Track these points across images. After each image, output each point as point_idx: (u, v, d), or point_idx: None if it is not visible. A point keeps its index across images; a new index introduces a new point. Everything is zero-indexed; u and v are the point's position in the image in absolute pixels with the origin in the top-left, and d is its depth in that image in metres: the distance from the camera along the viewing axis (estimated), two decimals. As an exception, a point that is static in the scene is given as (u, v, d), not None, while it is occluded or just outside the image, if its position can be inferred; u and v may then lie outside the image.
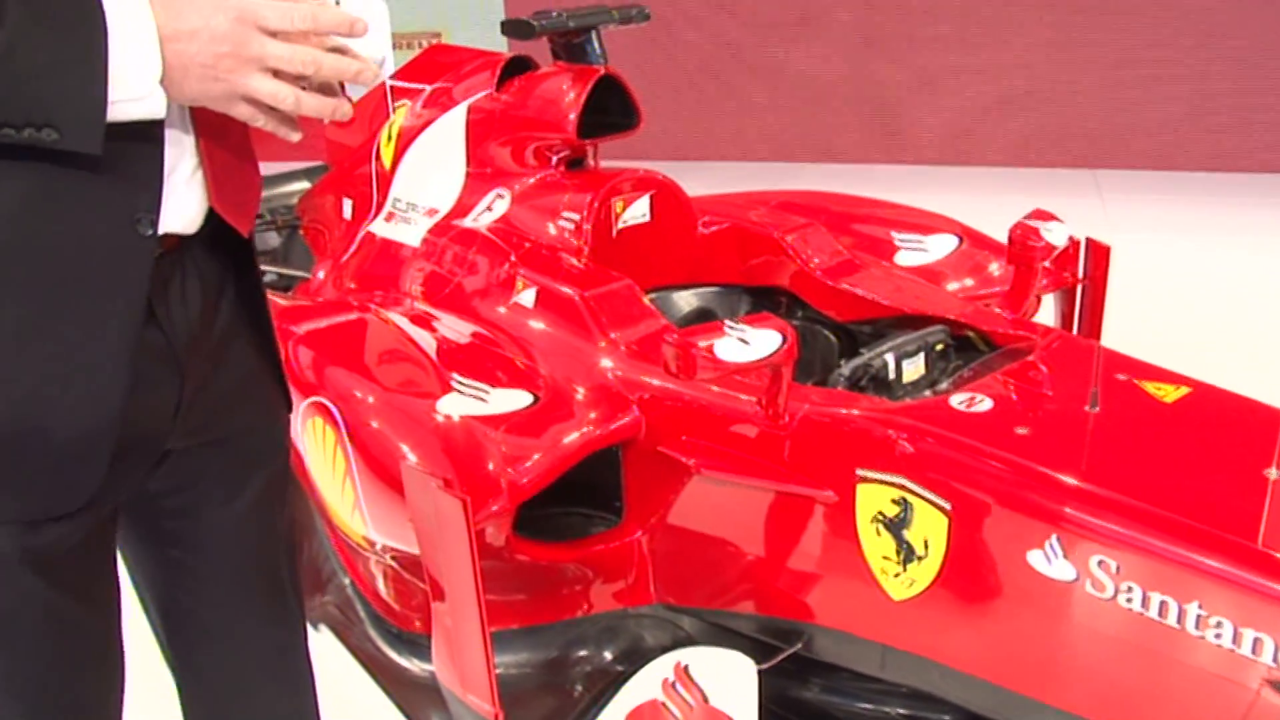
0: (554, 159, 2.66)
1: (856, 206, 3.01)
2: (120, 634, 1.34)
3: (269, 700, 1.53)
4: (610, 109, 2.60)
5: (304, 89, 1.12)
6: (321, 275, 3.27)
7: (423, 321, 2.47)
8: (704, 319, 2.71)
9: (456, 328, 2.42)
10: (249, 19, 1.07)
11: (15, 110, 0.99)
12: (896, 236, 2.76)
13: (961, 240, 2.76)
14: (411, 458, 1.93)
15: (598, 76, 2.52)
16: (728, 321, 1.85)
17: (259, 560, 1.44)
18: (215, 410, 1.31)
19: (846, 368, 2.09)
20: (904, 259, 2.71)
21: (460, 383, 2.11)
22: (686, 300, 2.69)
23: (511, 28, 2.50)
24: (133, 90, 1.04)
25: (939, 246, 2.74)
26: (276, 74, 1.10)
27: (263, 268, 3.72)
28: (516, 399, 2.09)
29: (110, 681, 1.33)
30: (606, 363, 2.18)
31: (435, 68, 3.13)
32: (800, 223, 2.63)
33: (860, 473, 1.88)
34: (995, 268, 2.73)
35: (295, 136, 1.17)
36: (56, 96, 1.00)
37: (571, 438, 2.04)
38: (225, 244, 1.28)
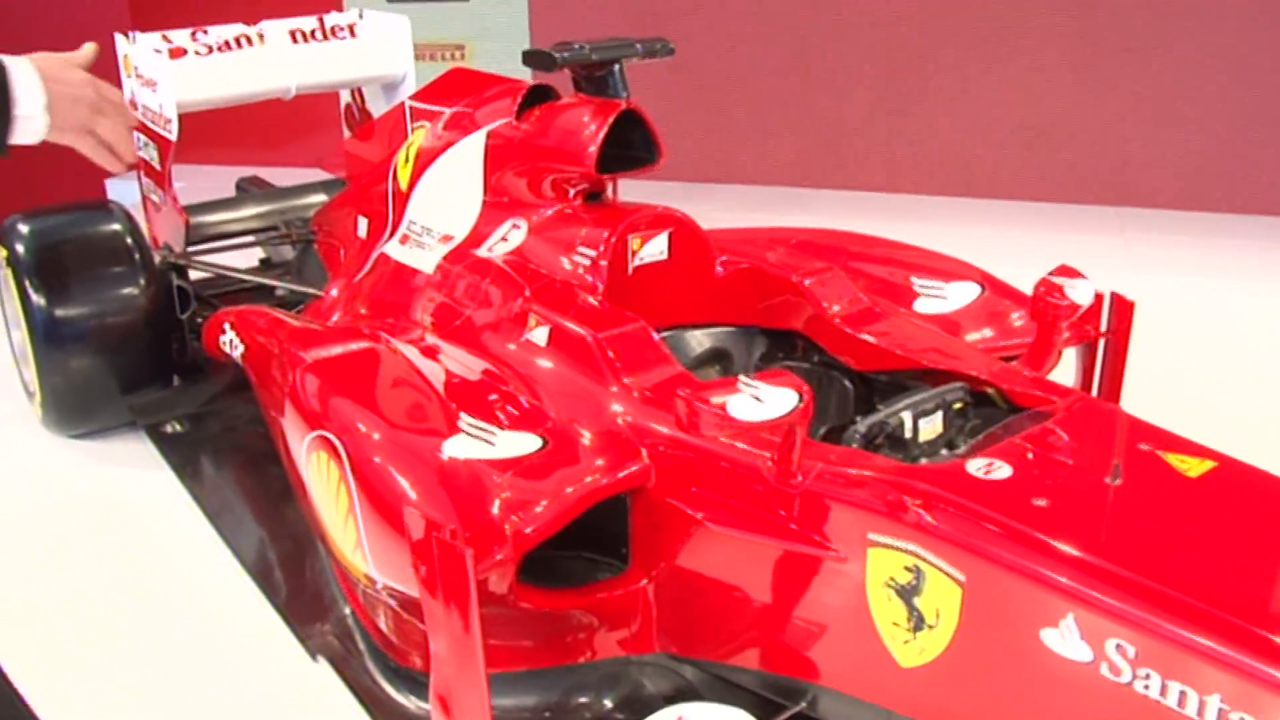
0: (571, 191, 2.63)
1: (876, 248, 2.97)
2: None
3: None
4: (631, 143, 2.56)
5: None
6: (334, 293, 3.24)
7: (433, 355, 2.44)
8: (718, 360, 2.68)
9: (465, 363, 2.39)
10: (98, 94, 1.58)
11: None
12: (916, 282, 2.72)
13: (983, 289, 2.72)
14: (415, 500, 1.89)
15: (619, 110, 2.49)
16: (742, 377, 1.81)
17: None
18: None
19: (862, 425, 2.04)
20: (923, 306, 2.67)
21: (468, 423, 2.08)
22: (700, 340, 2.65)
23: (533, 59, 2.47)
24: (26, 109, 1.48)
25: (959, 295, 2.69)
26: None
27: (273, 282, 3.75)
28: (524, 443, 2.05)
29: None
30: (617, 408, 2.15)
31: (456, 90, 3.11)
32: (819, 266, 2.59)
33: (872, 537, 1.84)
34: (1017, 318, 2.68)
35: (118, 168, 1.65)
36: None
37: (578, 485, 2.00)
38: None
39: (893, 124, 5.88)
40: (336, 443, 2.08)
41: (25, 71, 1.49)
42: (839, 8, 5.76)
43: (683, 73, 5.76)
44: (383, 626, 2.40)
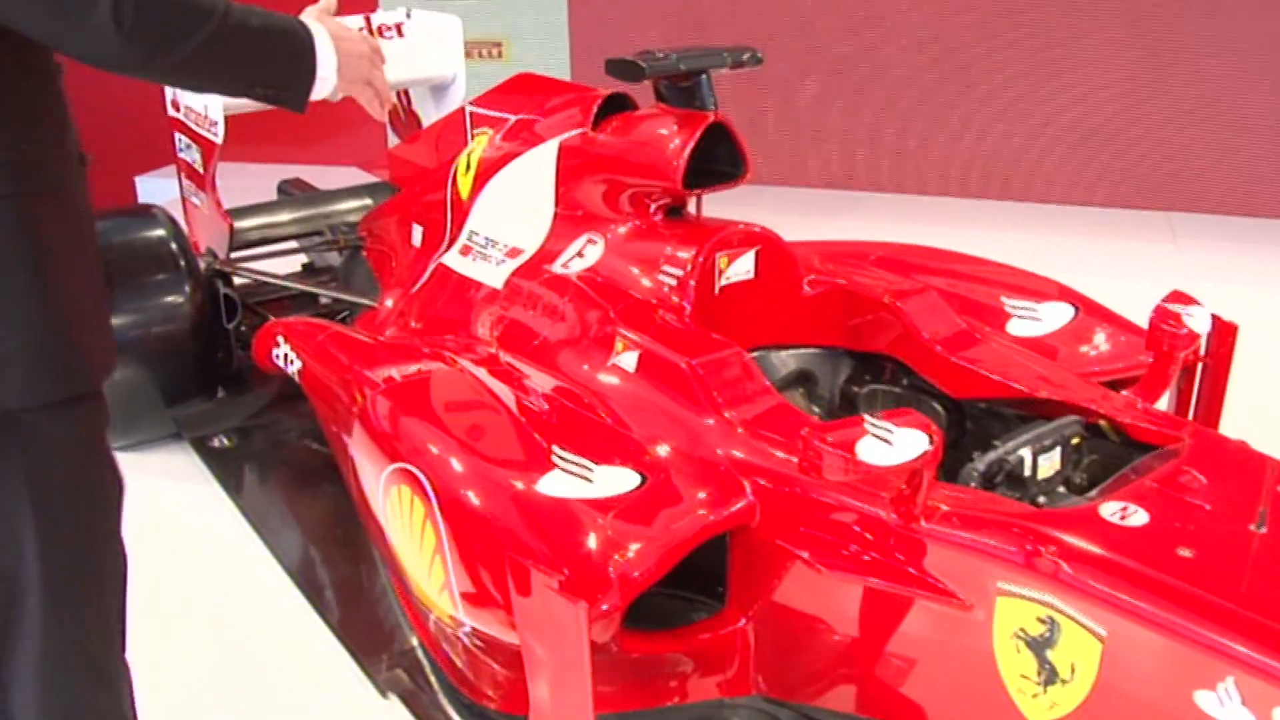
0: (652, 206, 2.52)
1: (959, 264, 2.86)
2: None
3: None
4: (714, 155, 2.46)
5: None
6: (389, 304, 3.13)
7: (510, 378, 2.33)
8: (802, 382, 2.57)
9: (548, 388, 2.28)
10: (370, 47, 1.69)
11: (273, 81, 1.55)
12: (1008, 303, 2.61)
13: (1077, 310, 2.61)
14: (516, 546, 1.79)
15: (707, 123, 2.38)
16: (868, 417, 1.71)
17: None
18: None
19: (981, 463, 1.94)
20: (1016, 328, 2.56)
21: (562, 457, 1.97)
22: (784, 361, 2.54)
23: (618, 69, 2.35)
24: (323, 71, 1.56)
25: (1053, 316, 2.58)
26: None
27: (319, 290, 3.63)
28: (623, 479, 1.95)
29: None
30: (717, 441, 2.04)
31: (522, 97, 2.99)
32: (912, 287, 2.48)
33: (1002, 585, 1.73)
34: (1109, 340, 2.57)
35: (384, 114, 1.77)
36: (293, 76, 1.56)
37: (683, 524, 1.89)
38: None
39: (942, 128, 5.76)
40: (422, 479, 1.97)
41: (321, 34, 1.58)
42: (888, 11, 5.64)
43: (729, 75, 5.65)
44: (457, 661, 2.30)
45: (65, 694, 1.61)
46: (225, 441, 3.35)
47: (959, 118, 5.71)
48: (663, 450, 2.05)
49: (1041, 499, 1.99)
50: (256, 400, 3.47)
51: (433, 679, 2.36)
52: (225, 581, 2.82)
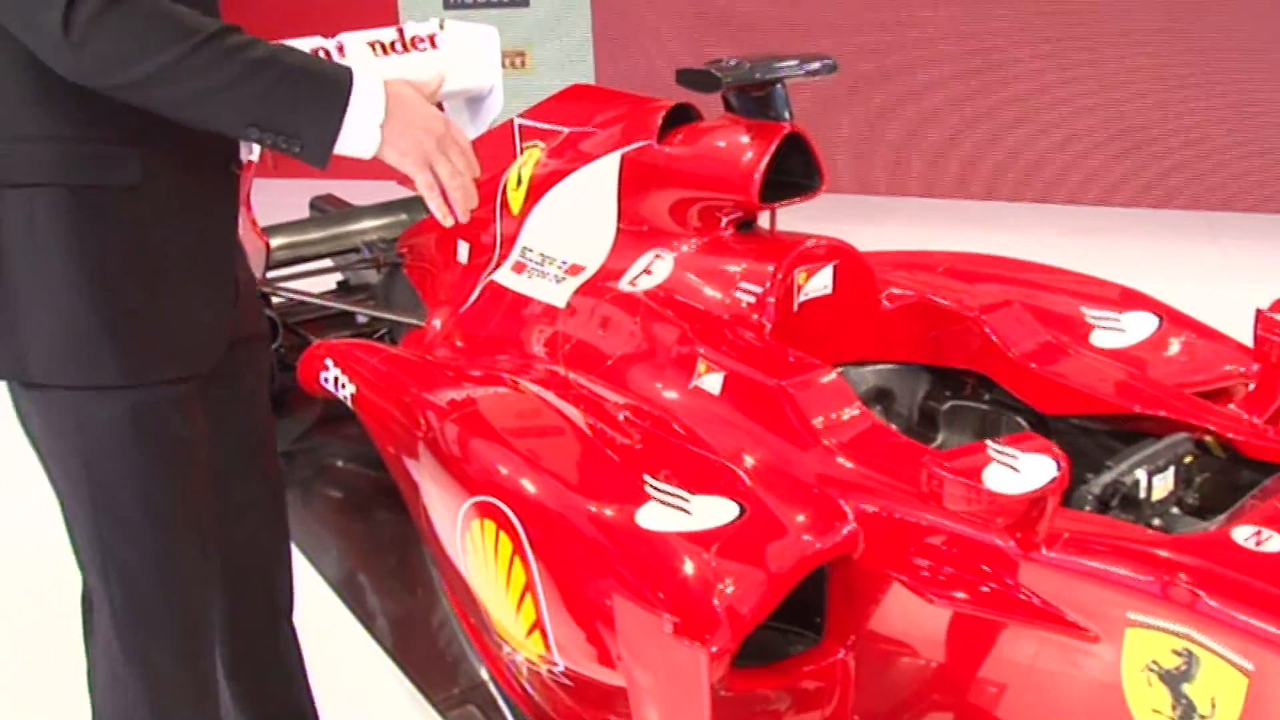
0: (723, 220, 2.43)
1: (1031, 272, 2.78)
2: None
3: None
4: (787, 168, 2.37)
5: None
6: (438, 324, 3.05)
7: (585, 401, 2.24)
8: (880, 399, 2.49)
9: (625, 411, 2.19)
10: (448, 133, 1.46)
11: (276, 123, 1.37)
12: (1089, 313, 2.53)
13: (1160, 318, 2.53)
14: (623, 587, 1.71)
15: (783, 134, 2.30)
16: (991, 443, 1.63)
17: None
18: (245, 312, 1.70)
19: (1095, 485, 1.86)
20: (1100, 339, 2.47)
21: (656, 488, 1.89)
22: (864, 378, 2.46)
23: (691, 79, 2.27)
24: (359, 121, 1.38)
25: (1137, 326, 2.50)
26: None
27: (359, 310, 3.54)
28: (722, 510, 1.86)
29: None
30: (815, 465, 1.95)
31: (575, 108, 2.91)
32: (996, 299, 2.40)
33: (1133, 616, 1.65)
34: (1198, 349, 2.49)
35: (449, 221, 1.55)
36: (309, 121, 1.38)
37: (789, 556, 1.80)
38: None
39: (975, 129, 5.69)
40: (509, 513, 1.88)
41: (369, 82, 1.39)
42: (920, 12, 5.56)
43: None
44: (535, 697, 2.21)
45: (118, 686, 1.61)
46: None
47: (992, 119, 5.64)
48: (756, 476, 1.97)
49: (1156, 521, 1.91)
50: (299, 424, 3.39)
51: (508, 715, 2.28)
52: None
